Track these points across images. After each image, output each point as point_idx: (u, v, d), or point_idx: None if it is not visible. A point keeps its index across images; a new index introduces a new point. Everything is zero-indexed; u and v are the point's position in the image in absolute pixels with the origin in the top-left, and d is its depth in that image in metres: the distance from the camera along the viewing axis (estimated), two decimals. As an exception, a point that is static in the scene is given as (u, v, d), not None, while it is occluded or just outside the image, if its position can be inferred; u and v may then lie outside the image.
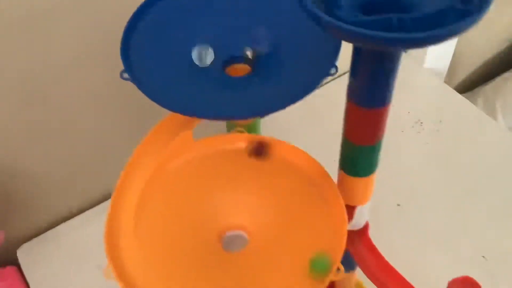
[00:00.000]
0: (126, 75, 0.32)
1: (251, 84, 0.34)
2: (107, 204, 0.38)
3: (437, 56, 0.77)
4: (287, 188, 0.37)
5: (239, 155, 0.39)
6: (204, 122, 0.39)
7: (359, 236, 0.43)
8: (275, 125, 0.69)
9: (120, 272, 0.32)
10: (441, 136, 0.70)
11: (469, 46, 0.92)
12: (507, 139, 0.70)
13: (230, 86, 0.34)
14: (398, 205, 0.63)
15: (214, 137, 0.39)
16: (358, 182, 0.37)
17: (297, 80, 0.32)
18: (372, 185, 0.39)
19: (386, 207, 0.63)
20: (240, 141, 0.39)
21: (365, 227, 0.43)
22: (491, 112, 0.91)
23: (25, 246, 0.61)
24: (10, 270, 0.59)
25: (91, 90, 0.54)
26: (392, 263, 0.43)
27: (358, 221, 0.41)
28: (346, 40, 0.25)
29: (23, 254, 0.61)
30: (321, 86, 0.32)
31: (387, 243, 0.59)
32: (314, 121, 0.72)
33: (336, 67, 0.32)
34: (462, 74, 0.99)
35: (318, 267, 0.31)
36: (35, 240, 0.62)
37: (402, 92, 0.75)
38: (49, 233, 0.62)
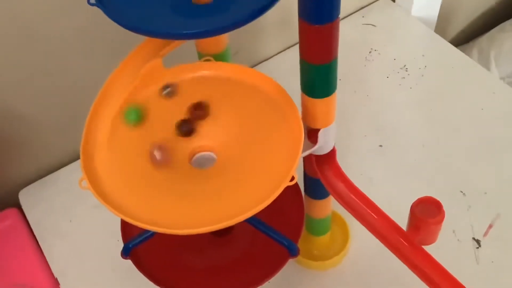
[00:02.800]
0: (92, 1, 0.35)
1: (214, 8, 0.36)
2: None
3: (425, 5, 0.78)
4: (252, 110, 0.40)
5: (208, 81, 0.41)
6: (175, 52, 0.42)
7: (327, 161, 0.45)
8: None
9: (94, 182, 0.36)
10: (425, 81, 0.71)
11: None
12: (494, 86, 0.71)
13: (196, 11, 0.37)
14: (380, 146, 0.65)
15: (184, 65, 0.41)
16: (317, 104, 0.39)
17: (253, 2, 0.34)
18: (333, 108, 0.41)
19: (368, 148, 0.65)
20: (208, 69, 0.41)
21: (332, 152, 0.45)
22: (485, 63, 0.92)
23: (26, 189, 0.65)
24: (11, 211, 0.63)
25: (78, 28, 0.56)
26: (372, 197, 0.45)
27: (323, 144, 0.43)
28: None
29: (24, 197, 0.64)
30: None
31: (368, 181, 0.62)
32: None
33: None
34: (458, 27, 1.00)
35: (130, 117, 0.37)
36: (35, 183, 0.65)
37: (389, 40, 0.77)
38: (49, 177, 0.66)
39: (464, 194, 0.60)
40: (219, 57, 0.44)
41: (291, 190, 0.39)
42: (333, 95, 0.39)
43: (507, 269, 0.55)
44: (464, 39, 1.02)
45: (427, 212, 0.41)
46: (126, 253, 0.43)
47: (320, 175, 0.46)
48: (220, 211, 0.35)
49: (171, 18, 0.36)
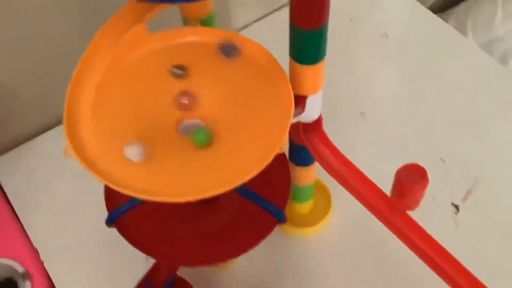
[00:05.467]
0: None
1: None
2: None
3: (405, -29, 0.77)
4: (240, 77, 0.39)
5: (194, 48, 0.40)
6: (159, 17, 0.41)
7: (313, 129, 0.45)
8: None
9: (79, 151, 0.35)
10: (406, 49, 0.71)
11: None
12: (473, 53, 0.71)
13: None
14: (362, 113, 0.65)
15: (169, 31, 0.40)
16: (306, 70, 0.39)
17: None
18: (321, 75, 0.40)
19: (349, 116, 0.65)
20: (194, 35, 0.40)
21: (319, 120, 0.45)
22: (461, 31, 0.93)
23: (2, 158, 0.63)
24: (-14, 180, 0.62)
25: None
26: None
27: (310, 112, 0.43)
28: None
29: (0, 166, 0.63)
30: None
31: (350, 150, 0.62)
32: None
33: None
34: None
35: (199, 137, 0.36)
36: (11, 152, 0.64)
37: (369, 7, 0.76)
38: (26, 145, 0.64)
39: (443, 161, 0.61)
40: (205, 22, 0.43)
41: (278, 158, 0.38)
42: (322, 62, 0.39)
43: (483, 233, 0.56)
44: (441, 7, 1.02)
45: (412, 178, 0.42)
46: (111, 221, 0.43)
47: (307, 142, 0.46)
48: (209, 180, 0.34)
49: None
